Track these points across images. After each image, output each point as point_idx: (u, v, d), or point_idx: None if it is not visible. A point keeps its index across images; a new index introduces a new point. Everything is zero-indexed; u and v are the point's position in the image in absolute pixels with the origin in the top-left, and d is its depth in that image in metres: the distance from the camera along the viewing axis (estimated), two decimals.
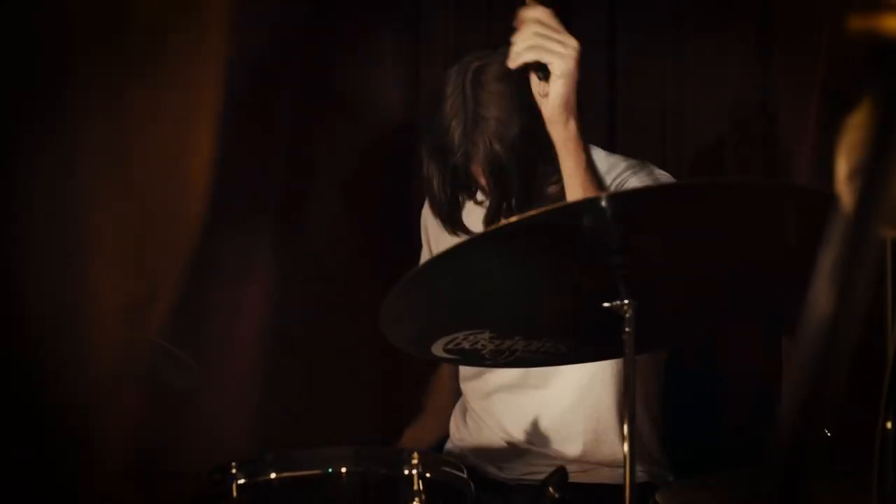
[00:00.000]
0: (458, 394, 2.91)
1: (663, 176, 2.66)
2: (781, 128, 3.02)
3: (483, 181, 2.45)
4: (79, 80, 0.74)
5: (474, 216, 2.53)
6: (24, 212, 0.73)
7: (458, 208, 2.53)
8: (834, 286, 0.94)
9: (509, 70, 2.38)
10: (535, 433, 2.70)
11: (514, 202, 2.42)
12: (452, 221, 2.54)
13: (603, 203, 1.81)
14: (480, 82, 2.44)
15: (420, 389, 2.99)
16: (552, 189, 2.48)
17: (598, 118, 3.15)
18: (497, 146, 2.40)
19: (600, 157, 2.65)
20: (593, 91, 3.14)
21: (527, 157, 2.41)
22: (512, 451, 2.73)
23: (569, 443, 2.67)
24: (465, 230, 2.55)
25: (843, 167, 0.95)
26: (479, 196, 2.51)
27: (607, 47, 3.19)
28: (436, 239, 2.82)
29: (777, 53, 3.03)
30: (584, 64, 2.73)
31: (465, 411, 2.85)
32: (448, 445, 2.87)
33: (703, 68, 3.13)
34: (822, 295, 0.94)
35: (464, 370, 2.83)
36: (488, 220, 2.47)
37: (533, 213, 1.88)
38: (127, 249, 0.78)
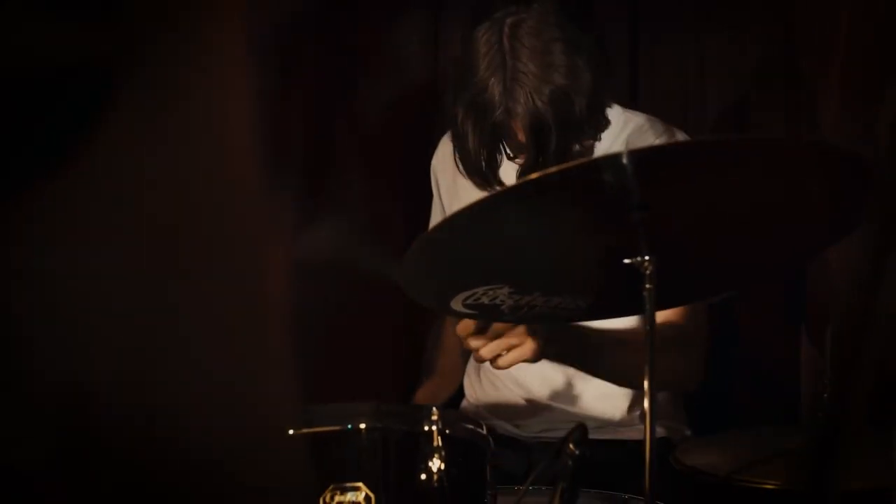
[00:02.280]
0: (466, 352, 2.91)
1: (680, 134, 2.66)
2: (805, 84, 3.00)
3: (522, 137, 2.44)
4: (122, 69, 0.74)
5: (509, 172, 2.52)
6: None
7: (495, 164, 2.52)
8: (873, 251, 0.94)
9: (546, 24, 2.37)
10: (562, 392, 2.70)
11: (550, 158, 2.41)
12: (490, 178, 2.52)
13: (624, 160, 1.80)
14: (518, 37, 2.43)
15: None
16: (577, 148, 2.48)
17: (621, 78, 3.13)
18: (538, 101, 2.39)
19: (616, 112, 2.65)
20: (616, 52, 3.12)
21: (565, 114, 2.41)
22: (530, 408, 2.73)
23: (608, 408, 2.68)
24: (503, 185, 2.54)
25: (884, 128, 0.94)
26: (513, 153, 2.50)
27: (629, 8, 3.17)
28: (447, 190, 2.82)
29: (799, 8, 3.01)
30: (608, 26, 2.72)
31: (478, 368, 2.85)
32: (463, 404, 2.88)
33: (725, 25, 3.11)
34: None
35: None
36: (523, 172, 2.47)
37: (554, 169, 1.88)
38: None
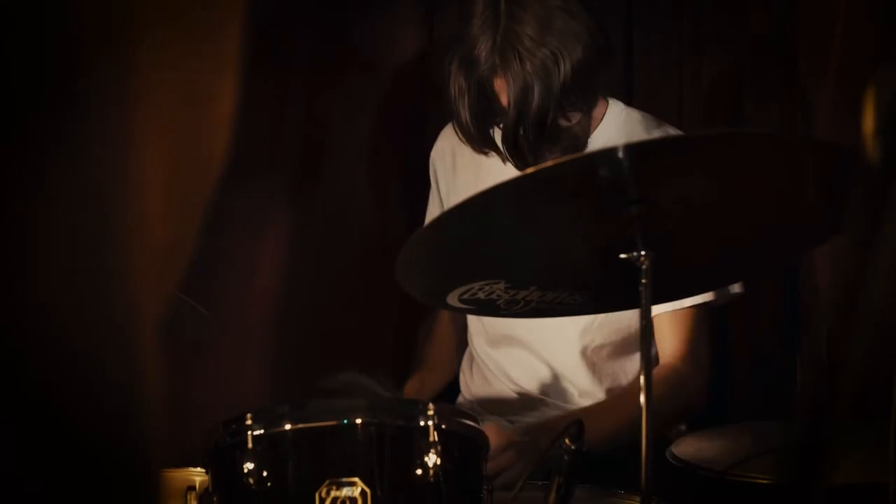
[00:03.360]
0: (460, 346, 2.91)
1: (674, 132, 2.67)
2: (802, 75, 2.99)
3: (504, 99, 2.45)
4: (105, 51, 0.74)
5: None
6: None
7: (486, 125, 2.54)
8: (861, 243, 0.94)
9: None
10: (551, 386, 2.70)
11: (530, 124, 2.43)
12: (482, 139, 2.55)
13: (620, 154, 1.80)
14: (519, 1, 2.45)
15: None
16: (564, 122, 2.49)
17: (616, 72, 3.13)
18: (527, 64, 2.42)
19: (617, 109, 2.65)
20: (610, 42, 3.11)
21: (552, 82, 2.42)
22: (522, 403, 2.73)
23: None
24: (496, 148, 2.56)
25: (869, 122, 0.94)
26: (496, 115, 2.52)
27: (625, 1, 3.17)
28: (446, 182, 2.82)
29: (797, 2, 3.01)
30: (601, 16, 2.72)
31: (471, 363, 2.85)
32: (459, 399, 2.88)
33: (720, 19, 3.11)
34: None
35: (470, 322, 2.84)
36: (504, 139, 2.49)
37: (550, 163, 1.88)
38: (155, 200, 0.78)
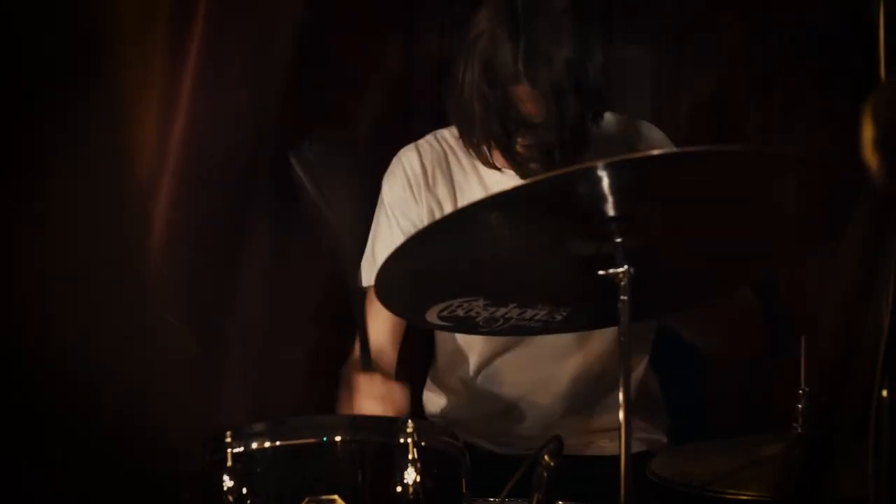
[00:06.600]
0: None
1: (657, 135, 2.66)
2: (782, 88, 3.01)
3: (528, 107, 2.44)
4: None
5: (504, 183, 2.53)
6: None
7: (511, 134, 2.48)
8: (864, 258, 0.94)
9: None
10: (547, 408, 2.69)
11: (567, 128, 2.42)
12: (509, 146, 2.49)
13: (599, 171, 1.80)
14: (531, 5, 2.45)
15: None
16: (594, 127, 2.49)
17: None
18: (555, 70, 2.40)
19: (607, 116, 2.64)
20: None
21: (582, 85, 2.43)
22: (511, 428, 2.71)
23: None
24: (514, 157, 2.50)
25: (868, 132, 0.94)
26: (515, 125, 2.47)
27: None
28: (403, 213, 2.74)
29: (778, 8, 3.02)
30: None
31: (444, 382, 2.80)
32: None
33: (702, 26, 3.12)
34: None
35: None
36: (540, 146, 2.45)
37: (528, 181, 1.88)
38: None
